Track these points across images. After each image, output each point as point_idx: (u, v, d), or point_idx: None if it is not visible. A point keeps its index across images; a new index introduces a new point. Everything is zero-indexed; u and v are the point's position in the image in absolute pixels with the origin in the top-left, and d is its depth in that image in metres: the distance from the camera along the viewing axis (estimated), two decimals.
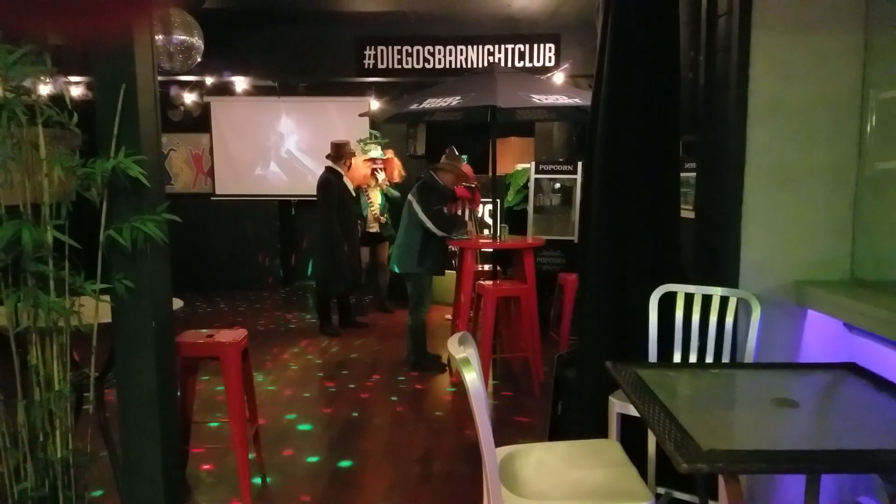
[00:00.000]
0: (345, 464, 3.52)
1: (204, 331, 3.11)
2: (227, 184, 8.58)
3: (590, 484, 1.90)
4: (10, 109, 2.16)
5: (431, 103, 4.64)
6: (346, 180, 6.17)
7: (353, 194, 6.34)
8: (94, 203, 2.44)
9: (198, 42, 4.65)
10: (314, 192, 6.19)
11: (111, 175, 2.40)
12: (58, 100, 2.40)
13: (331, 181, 6.00)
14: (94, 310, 2.43)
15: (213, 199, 8.53)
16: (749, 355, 2.45)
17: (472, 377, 1.66)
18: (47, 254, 2.30)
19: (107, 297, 2.48)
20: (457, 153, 5.32)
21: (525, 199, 6.69)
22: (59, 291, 2.35)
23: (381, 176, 6.59)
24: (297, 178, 8.51)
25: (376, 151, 6.58)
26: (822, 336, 2.47)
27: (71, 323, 2.37)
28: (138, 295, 2.54)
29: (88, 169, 2.35)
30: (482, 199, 6.75)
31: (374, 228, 6.62)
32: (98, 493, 3.08)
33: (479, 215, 7.13)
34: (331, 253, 5.98)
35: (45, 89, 2.58)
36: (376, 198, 6.62)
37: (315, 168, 8.39)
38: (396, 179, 6.76)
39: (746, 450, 1.48)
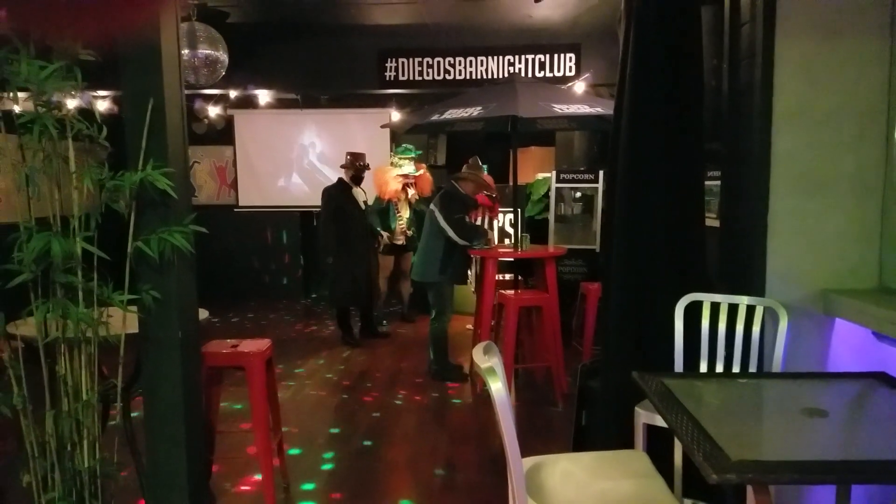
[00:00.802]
0: (368, 473, 3.52)
1: (228, 341, 3.14)
2: (250, 195, 8.68)
3: (617, 495, 1.88)
4: (42, 123, 2.21)
5: (453, 114, 4.66)
6: (356, 191, 6.22)
7: (363, 206, 6.34)
8: (122, 215, 2.48)
9: (223, 56, 4.73)
10: None
11: (139, 187, 2.44)
12: (86, 113, 2.44)
13: (330, 193, 6.09)
14: (122, 320, 2.46)
15: (236, 210, 8.63)
16: (776, 365, 2.41)
17: (498, 387, 1.65)
18: (76, 265, 2.34)
19: (134, 308, 2.52)
20: (480, 163, 5.32)
21: (546, 209, 6.67)
22: (87, 302, 2.38)
23: (411, 192, 6.59)
24: (319, 190, 8.51)
25: (409, 167, 6.57)
26: (850, 345, 2.43)
27: (99, 333, 2.40)
28: (165, 305, 2.57)
29: (117, 181, 2.39)
30: (502, 209, 6.75)
31: (400, 241, 6.64)
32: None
33: (500, 224, 7.13)
34: (327, 265, 6.08)
35: (73, 103, 2.63)
36: (405, 212, 6.63)
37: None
38: (428, 193, 6.77)
39: (777, 460, 1.46)
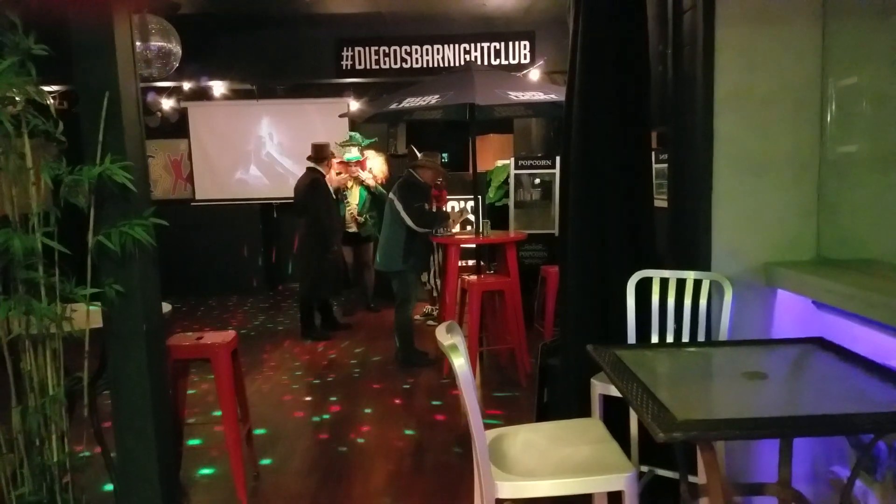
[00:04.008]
0: (338, 461, 3.58)
1: (191, 333, 3.16)
2: (207, 189, 8.57)
3: (575, 460, 1.99)
4: None
5: (410, 102, 4.70)
6: (328, 181, 6.23)
7: (335, 196, 6.39)
8: (82, 209, 2.48)
9: (175, 48, 4.68)
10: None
11: (98, 181, 2.44)
12: (41, 109, 2.42)
13: (320, 182, 6.02)
14: (86, 315, 2.46)
15: (192, 204, 8.50)
16: (723, 334, 2.54)
17: (461, 362, 1.73)
18: (37, 261, 2.34)
19: (97, 303, 2.52)
20: (418, 153, 5.41)
21: (506, 195, 6.78)
22: (50, 298, 2.38)
23: (364, 174, 6.65)
24: (279, 181, 8.52)
25: (350, 154, 6.64)
26: (792, 314, 2.58)
27: (63, 329, 2.40)
28: (129, 299, 2.58)
29: (76, 176, 2.38)
30: (464, 196, 6.84)
31: (352, 228, 6.68)
32: (107, 486, 3.11)
33: (462, 208, 7.23)
34: (319, 255, 5.98)
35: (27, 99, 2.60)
36: (354, 198, 6.68)
37: (296, 170, 8.40)
38: (382, 180, 6.82)
39: (719, 418, 1.58)
